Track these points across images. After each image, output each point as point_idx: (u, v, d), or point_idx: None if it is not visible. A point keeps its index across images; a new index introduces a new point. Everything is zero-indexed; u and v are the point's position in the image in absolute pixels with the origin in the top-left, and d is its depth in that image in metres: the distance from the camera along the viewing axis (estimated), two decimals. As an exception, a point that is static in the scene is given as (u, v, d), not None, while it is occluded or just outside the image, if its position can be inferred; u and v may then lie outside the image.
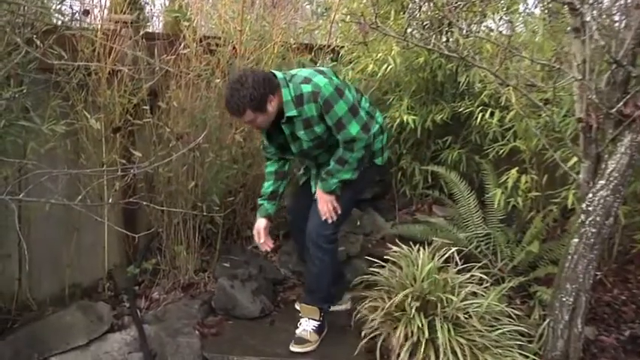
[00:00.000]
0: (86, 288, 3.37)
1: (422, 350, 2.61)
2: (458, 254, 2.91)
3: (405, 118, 3.70)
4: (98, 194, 3.17)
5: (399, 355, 2.64)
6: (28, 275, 3.05)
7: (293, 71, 2.75)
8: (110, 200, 2.78)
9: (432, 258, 2.87)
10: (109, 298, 3.33)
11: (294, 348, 2.87)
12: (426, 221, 3.72)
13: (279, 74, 2.70)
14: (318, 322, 2.96)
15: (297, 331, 2.94)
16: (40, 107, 2.78)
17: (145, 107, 3.23)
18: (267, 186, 3.00)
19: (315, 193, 2.90)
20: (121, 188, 3.18)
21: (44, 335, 2.80)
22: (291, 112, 2.65)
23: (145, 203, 2.32)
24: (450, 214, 3.82)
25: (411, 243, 3.07)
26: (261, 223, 2.99)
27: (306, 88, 2.62)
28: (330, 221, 2.82)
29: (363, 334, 2.79)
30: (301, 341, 2.90)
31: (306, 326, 2.95)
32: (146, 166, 2.73)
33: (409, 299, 2.71)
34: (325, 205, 2.81)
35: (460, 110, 3.72)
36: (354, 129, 2.65)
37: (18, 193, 2.44)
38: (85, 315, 2.95)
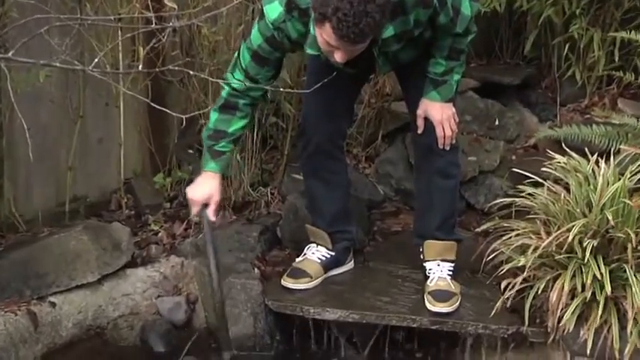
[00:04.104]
0: (94, 203, 3.49)
1: (599, 314, 2.55)
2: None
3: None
4: (111, 64, 3.18)
5: (560, 319, 2.61)
6: (12, 181, 3.15)
7: None
8: (139, 67, 2.76)
9: (621, 175, 2.77)
10: (128, 218, 3.44)
11: (437, 308, 2.83)
12: (608, 122, 3.60)
13: None
14: (454, 263, 2.96)
15: (431, 284, 2.91)
16: None
17: None
18: (241, 117, 2.82)
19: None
20: (145, 56, 3.17)
21: (39, 265, 2.90)
22: (388, 31, 2.58)
23: (189, 72, 2.28)
24: (647, 112, 3.70)
25: (586, 151, 2.98)
26: (214, 185, 2.85)
27: None
28: (451, 144, 2.88)
29: (503, 285, 2.77)
30: (445, 297, 2.85)
31: (442, 273, 2.93)
32: (184, 22, 2.69)
33: (581, 235, 2.64)
34: (443, 128, 2.82)
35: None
36: (466, 8, 2.64)
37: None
38: (95, 240, 3.02)
